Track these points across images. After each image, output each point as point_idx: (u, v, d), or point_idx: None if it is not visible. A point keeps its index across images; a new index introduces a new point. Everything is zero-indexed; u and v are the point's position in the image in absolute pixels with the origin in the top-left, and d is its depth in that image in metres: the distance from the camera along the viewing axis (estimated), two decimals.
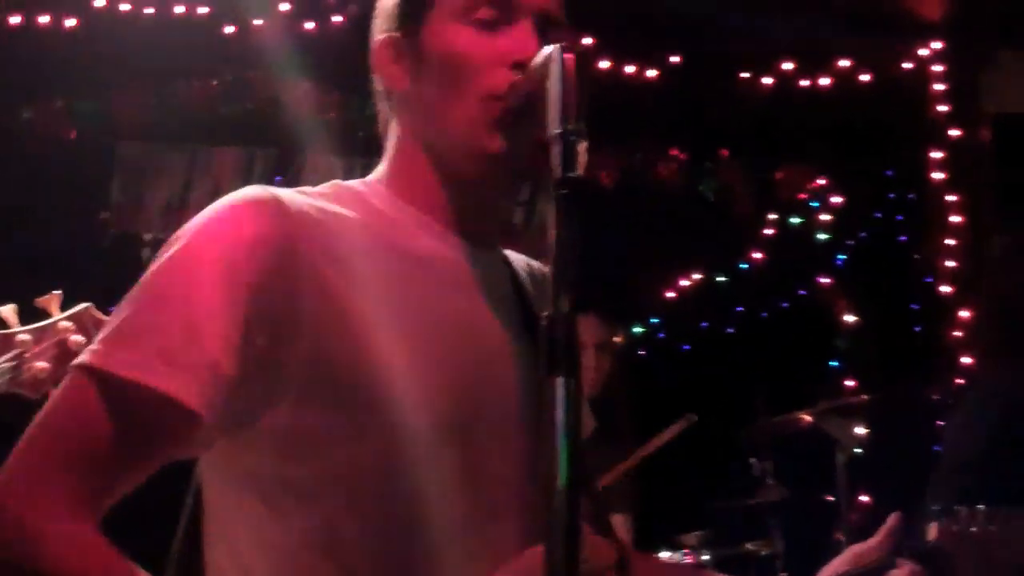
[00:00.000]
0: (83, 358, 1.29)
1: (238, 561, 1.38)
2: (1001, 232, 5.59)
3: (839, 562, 1.69)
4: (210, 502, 1.43)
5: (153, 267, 1.35)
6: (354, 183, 1.53)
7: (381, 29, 1.56)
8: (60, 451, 1.27)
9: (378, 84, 1.57)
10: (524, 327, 1.49)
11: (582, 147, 1.14)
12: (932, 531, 1.79)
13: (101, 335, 1.31)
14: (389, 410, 1.34)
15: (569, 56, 1.21)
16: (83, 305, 1.88)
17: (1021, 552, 1.75)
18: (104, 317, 1.90)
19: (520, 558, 1.34)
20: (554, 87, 1.19)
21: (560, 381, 1.09)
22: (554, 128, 1.16)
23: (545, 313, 1.11)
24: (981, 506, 1.79)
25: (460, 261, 1.48)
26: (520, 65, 1.39)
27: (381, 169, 1.56)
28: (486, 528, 1.40)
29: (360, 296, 1.36)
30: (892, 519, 1.74)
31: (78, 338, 1.83)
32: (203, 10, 4.71)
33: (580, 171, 1.13)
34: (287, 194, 1.40)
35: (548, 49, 1.25)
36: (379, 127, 1.60)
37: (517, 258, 1.65)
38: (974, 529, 1.77)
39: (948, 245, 5.52)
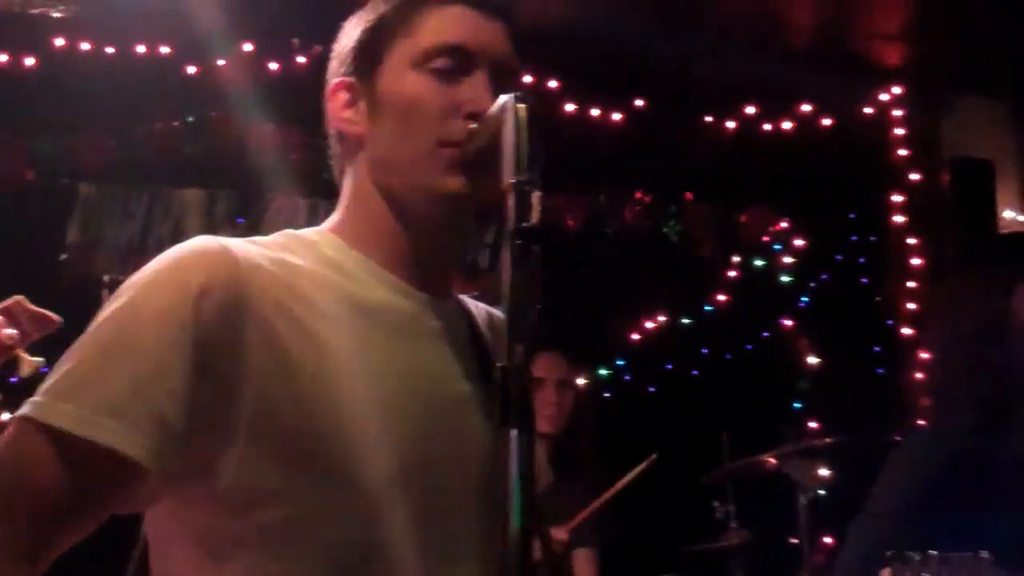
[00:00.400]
0: (26, 410, 1.27)
1: None
2: (961, 275, 5.65)
3: None
4: (156, 552, 1.40)
5: (100, 317, 1.33)
6: (307, 232, 1.51)
7: (336, 72, 1.55)
8: (1, 503, 1.25)
9: (331, 128, 1.56)
10: (481, 377, 1.47)
11: (536, 197, 1.14)
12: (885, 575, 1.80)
13: (45, 385, 1.29)
14: (337, 462, 1.32)
15: (523, 106, 1.20)
16: (14, 297, 1.87)
17: None
18: (36, 309, 1.90)
19: None
20: (508, 137, 1.18)
21: (513, 432, 1.08)
22: (508, 178, 1.15)
23: (499, 364, 1.10)
24: (933, 552, 1.80)
25: (414, 311, 1.47)
26: (475, 116, 1.39)
27: (335, 217, 1.54)
28: None
29: (309, 348, 1.34)
30: None
31: (10, 331, 1.82)
32: (165, 49, 4.70)
33: (534, 221, 1.13)
34: (236, 244, 1.38)
35: (504, 99, 1.25)
36: (334, 173, 1.59)
37: (476, 307, 1.64)
38: (925, 574, 1.78)
39: (909, 287, 5.57)
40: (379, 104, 1.49)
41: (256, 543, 1.32)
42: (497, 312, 1.70)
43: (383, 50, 1.50)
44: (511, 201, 1.14)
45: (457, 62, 1.46)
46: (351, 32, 1.56)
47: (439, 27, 1.48)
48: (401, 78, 1.47)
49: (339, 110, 1.53)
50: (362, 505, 1.33)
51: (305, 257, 1.44)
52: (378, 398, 1.37)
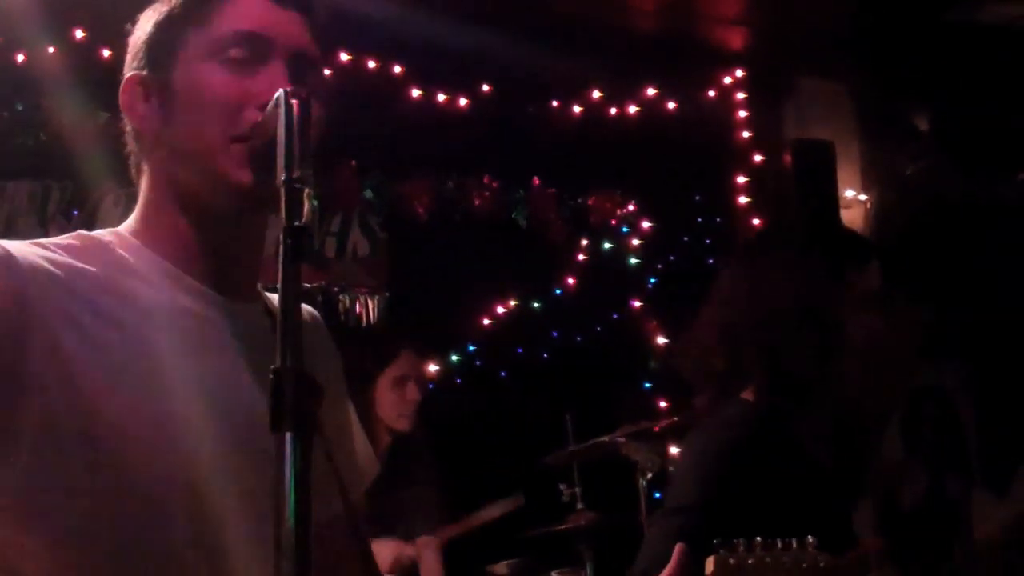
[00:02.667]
0: None
1: None
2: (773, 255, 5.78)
3: None
4: None
5: None
6: (103, 233, 1.47)
7: (130, 67, 1.51)
8: None
9: (127, 124, 1.52)
10: None
11: (307, 194, 1.12)
12: (709, 564, 1.81)
13: None
14: (120, 471, 1.29)
15: (295, 102, 1.18)
16: None
17: None
18: None
19: None
20: (280, 134, 1.16)
21: (288, 437, 1.06)
22: (280, 175, 1.13)
23: (272, 367, 1.08)
24: (758, 538, 1.81)
25: (211, 315, 1.44)
26: (266, 106, 1.36)
27: (133, 218, 1.50)
28: None
29: (94, 355, 1.31)
30: (678, 552, 1.74)
31: None
32: None
33: (305, 219, 1.11)
34: (19, 248, 1.34)
35: (278, 93, 1.22)
36: (131, 171, 1.55)
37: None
38: (751, 561, 1.79)
39: None
40: (172, 98, 1.45)
41: (44, 556, 1.29)
42: (312, 311, 1.68)
43: (176, 42, 1.47)
44: (282, 199, 1.11)
45: (252, 51, 1.43)
46: (144, 25, 1.52)
47: (233, 15, 1.45)
48: (194, 70, 1.44)
49: (134, 105, 1.49)
50: (147, 514, 1.31)
51: (96, 260, 1.40)
52: (165, 406, 1.34)
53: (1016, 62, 5.50)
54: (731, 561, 1.79)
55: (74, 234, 1.45)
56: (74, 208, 4.60)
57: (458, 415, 4.70)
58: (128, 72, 1.51)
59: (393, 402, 4.05)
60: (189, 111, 1.44)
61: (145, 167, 1.51)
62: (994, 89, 5.50)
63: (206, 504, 1.34)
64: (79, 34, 4.57)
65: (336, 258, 5.00)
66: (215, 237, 1.47)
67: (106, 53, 4.46)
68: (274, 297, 1.59)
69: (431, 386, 4.37)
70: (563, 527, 4.01)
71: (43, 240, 1.40)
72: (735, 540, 1.80)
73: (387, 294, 5.05)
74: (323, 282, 4.90)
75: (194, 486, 1.33)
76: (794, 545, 1.81)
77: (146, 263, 1.43)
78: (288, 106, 1.16)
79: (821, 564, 1.79)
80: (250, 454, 1.39)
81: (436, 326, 4.94)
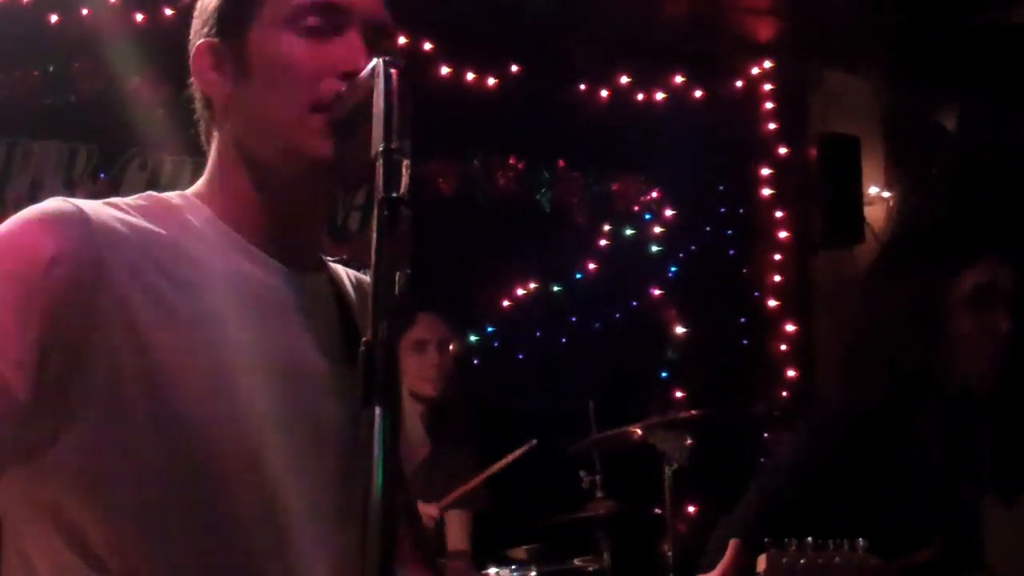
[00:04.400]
0: None
1: None
2: (826, 248, 5.78)
3: None
4: (7, 528, 1.35)
5: None
6: (172, 196, 1.45)
7: (200, 33, 1.49)
8: None
9: (197, 91, 1.50)
10: (345, 351, 1.43)
11: (405, 166, 1.10)
12: (760, 563, 1.81)
13: None
14: (187, 440, 1.28)
15: (395, 72, 1.16)
16: None
17: None
18: None
19: None
20: (378, 104, 1.14)
21: (378, 411, 1.05)
22: (377, 146, 1.12)
23: (363, 339, 1.07)
24: (809, 539, 1.82)
25: (277, 284, 1.43)
26: (347, 75, 1.35)
27: (202, 182, 1.49)
28: (290, 555, 1.34)
29: (163, 318, 1.30)
30: (733, 547, 1.74)
31: None
32: None
33: (402, 191, 1.09)
34: (93, 208, 1.32)
35: (375, 62, 1.21)
36: (200, 136, 1.53)
37: (348, 275, 1.59)
38: (803, 561, 1.80)
39: (775, 260, 5.67)
40: (247, 66, 1.43)
41: (109, 522, 1.28)
42: (367, 279, 1.65)
43: (249, 10, 1.44)
44: (379, 170, 1.09)
45: (328, 20, 1.41)
46: None
47: None
48: (270, 38, 1.42)
49: (205, 73, 1.47)
50: (214, 484, 1.30)
51: (166, 223, 1.39)
52: (232, 373, 1.33)
53: None
54: (784, 560, 1.80)
55: (144, 195, 1.44)
56: (100, 171, 4.58)
57: (477, 395, 4.68)
58: (198, 39, 1.49)
59: (415, 367, 4.05)
60: (265, 81, 1.42)
61: (215, 134, 1.49)
62: (1021, 90, 5.47)
63: (269, 474, 1.33)
64: None
65: (360, 232, 4.98)
66: (283, 207, 1.45)
67: (139, 17, 4.45)
68: (338, 268, 1.58)
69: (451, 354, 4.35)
70: (583, 515, 4.00)
71: (116, 199, 1.39)
72: (787, 539, 1.82)
73: (408, 271, 5.03)
74: (344, 256, 4.88)
75: (257, 455, 1.32)
76: (845, 547, 1.82)
77: (212, 229, 1.42)
78: (388, 75, 1.15)
79: (871, 566, 1.80)
80: (312, 423, 1.39)
81: (455, 306, 4.93)
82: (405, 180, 1.09)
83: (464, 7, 4.88)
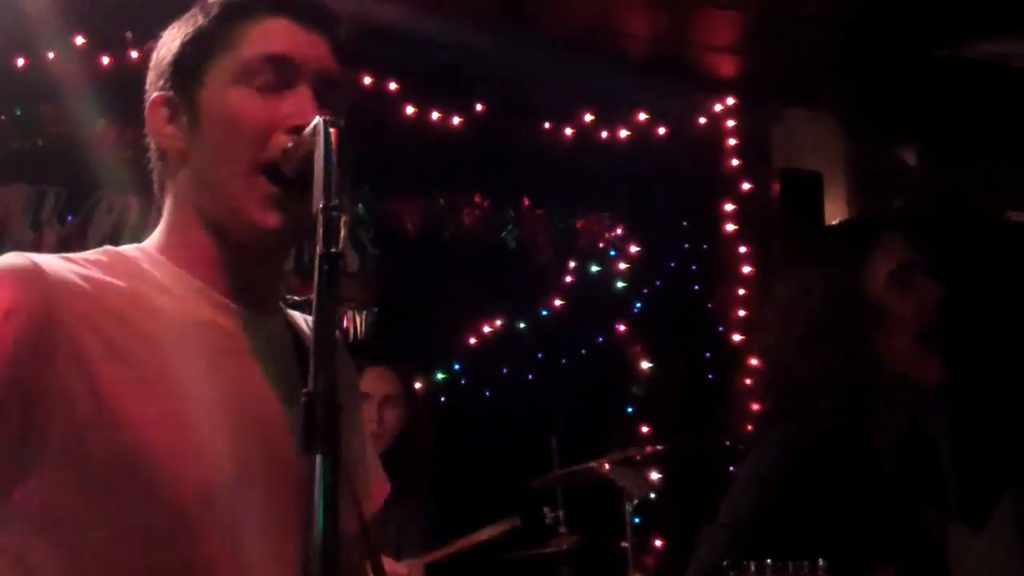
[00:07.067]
0: None
1: None
2: (794, 268, 5.81)
3: None
4: None
5: None
6: (128, 248, 1.49)
7: (156, 86, 1.52)
8: None
9: (152, 143, 1.54)
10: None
11: (343, 222, 1.14)
12: None
13: None
14: (147, 485, 1.31)
15: (334, 131, 1.20)
16: None
17: None
18: None
19: None
20: (318, 163, 1.18)
21: (318, 459, 1.09)
22: (317, 204, 1.16)
23: (304, 390, 1.10)
24: (768, 560, 1.83)
25: (236, 328, 1.46)
26: (298, 129, 1.38)
27: (157, 233, 1.52)
28: None
29: (121, 368, 1.33)
30: None
31: None
32: None
33: (340, 247, 1.13)
34: (48, 261, 1.36)
35: (316, 121, 1.25)
36: (155, 187, 1.57)
37: (305, 319, 1.63)
38: None
39: (739, 294, 5.73)
40: (200, 121, 1.47)
41: (68, 567, 1.30)
42: None
43: (203, 64, 1.48)
44: (319, 227, 1.14)
45: (280, 75, 1.45)
46: (170, 44, 1.53)
47: (261, 39, 1.47)
48: (222, 94, 1.45)
49: (159, 126, 1.51)
50: (174, 527, 1.32)
51: (123, 275, 1.42)
52: (191, 418, 1.36)
53: (1003, 97, 5.57)
54: None
55: (101, 249, 1.47)
56: (68, 214, 4.60)
57: (445, 433, 4.70)
58: (153, 91, 1.52)
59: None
60: (216, 135, 1.45)
61: (169, 186, 1.53)
62: (981, 126, 5.56)
63: (229, 517, 1.35)
64: (79, 41, 4.58)
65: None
66: (238, 259, 1.49)
67: (106, 60, 4.48)
68: (293, 312, 1.62)
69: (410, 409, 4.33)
70: (545, 550, 4.02)
71: (72, 255, 1.42)
72: (745, 562, 1.82)
73: (375, 310, 5.07)
74: (311, 296, 4.90)
75: (217, 499, 1.35)
76: (806, 568, 1.82)
77: (171, 278, 1.45)
78: (327, 134, 1.19)
79: None
80: (271, 465, 1.41)
81: (422, 344, 4.96)
82: (344, 235, 1.13)
83: (428, 50, 4.93)
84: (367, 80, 5.14)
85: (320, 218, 1.14)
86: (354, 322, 5.01)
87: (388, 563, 3.77)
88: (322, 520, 1.07)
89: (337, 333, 1.69)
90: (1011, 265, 5.02)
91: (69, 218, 4.60)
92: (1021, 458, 4.59)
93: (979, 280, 4.91)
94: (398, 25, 4.78)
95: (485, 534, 4.02)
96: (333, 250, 1.13)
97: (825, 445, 2.22)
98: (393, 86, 5.21)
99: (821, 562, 1.81)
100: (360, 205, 5.06)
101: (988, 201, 5.38)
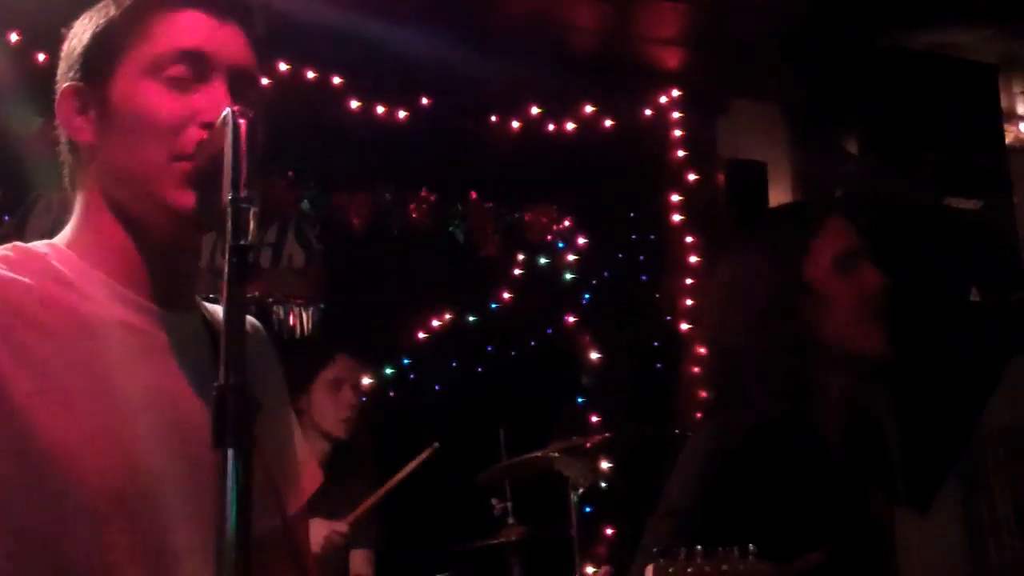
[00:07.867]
0: None
1: None
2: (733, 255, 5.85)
3: None
4: None
5: None
6: (38, 245, 1.47)
7: (66, 76, 1.50)
8: None
9: (62, 135, 1.52)
10: None
11: (252, 214, 1.13)
12: (648, 573, 1.83)
13: None
14: (55, 486, 1.29)
15: (243, 122, 1.19)
16: None
17: None
18: None
19: None
20: (227, 154, 1.17)
21: (230, 453, 1.08)
22: (226, 195, 1.15)
23: (215, 384, 1.10)
24: (699, 547, 1.83)
25: (149, 326, 1.44)
26: (211, 125, 1.37)
27: (69, 227, 1.50)
28: None
29: (27, 368, 1.30)
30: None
31: None
32: None
33: (249, 239, 1.12)
34: None
35: (225, 112, 1.24)
36: (65, 181, 1.55)
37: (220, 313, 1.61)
38: (690, 570, 1.82)
39: (686, 284, 5.76)
40: (111, 114, 1.45)
41: None
42: (251, 320, 1.68)
43: (114, 56, 1.46)
44: (228, 220, 1.13)
45: (193, 69, 1.43)
46: (80, 34, 1.51)
47: (173, 32, 1.45)
48: (133, 87, 1.44)
49: (69, 117, 1.49)
50: (85, 528, 1.31)
51: (32, 272, 1.39)
52: (101, 418, 1.34)
53: (943, 87, 5.63)
54: (670, 570, 1.81)
55: (9, 246, 1.45)
56: (5, 213, 4.54)
57: (391, 429, 4.69)
58: (64, 82, 1.50)
59: (328, 406, 4.04)
60: (128, 129, 1.43)
61: (81, 179, 1.50)
62: (922, 115, 5.62)
63: (146, 515, 1.34)
64: (14, 38, 4.52)
65: (271, 268, 4.99)
66: (152, 251, 1.47)
67: (41, 57, 4.42)
68: (211, 307, 1.60)
69: (363, 399, 4.36)
70: (494, 541, 4.02)
71: None
72: (676, 550, 1.82)
73: (322, 306, 5.05)
74: (257, 293, 4.89)
75: (134, 497, 1.34)
76: (736, 553, 1.83)
77: (82, 275, 1.43)
78: (236, 126, 1.18)
79: (758, 570, 1.81)
80: (190, 462, 1.40)
81: (371, 338, 4.94)
82: (252, 228, 1.12)
83: (373, 41, 4.91)
84: (311, 75, 5.11)
85: (229, 210, 1.13)
86: (300, 319, 4.98)
87: (325, 523, 3.73)
88: (234, 513, 1.06)
89: (264, 331, 1.68)
90: (950, 251, 5.08)
91: (6, 218, 4.54)
92: (964, 441, 4.65)
93: (919, 266, 4.97)
94: (343, 19, 4.76)
95: (406, 470, 3.99)
96: (242, 242, 1.12)
97: (766, 432, 2.21)
98: (337, 80, 5.18)
99: (752, 547, 1.82)
100: (305, 201, 5.04)
101: (928, 189, 5.44)
